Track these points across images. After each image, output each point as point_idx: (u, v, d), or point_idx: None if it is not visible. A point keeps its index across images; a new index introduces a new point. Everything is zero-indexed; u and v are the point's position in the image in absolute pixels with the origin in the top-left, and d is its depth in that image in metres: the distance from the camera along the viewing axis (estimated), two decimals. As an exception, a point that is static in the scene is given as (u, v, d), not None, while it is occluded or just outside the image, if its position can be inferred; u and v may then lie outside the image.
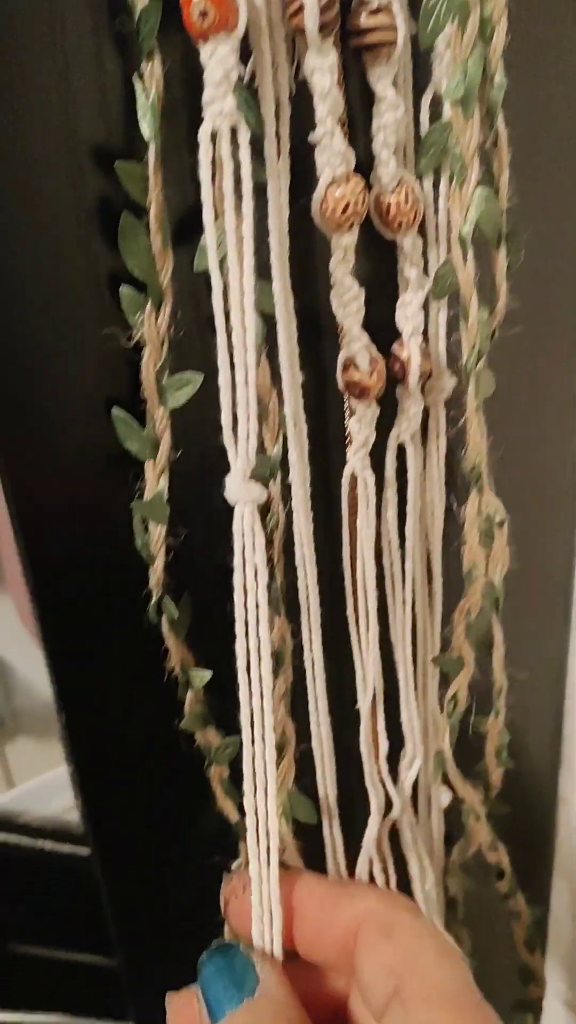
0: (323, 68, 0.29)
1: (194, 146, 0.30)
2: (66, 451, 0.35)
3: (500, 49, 0.31)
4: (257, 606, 0.31)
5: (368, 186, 0.32)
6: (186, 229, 0.32)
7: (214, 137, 0.29)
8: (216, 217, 0.29)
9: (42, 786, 0.72)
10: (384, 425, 0.36)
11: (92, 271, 0.33)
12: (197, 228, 0.32)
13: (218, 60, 0.27)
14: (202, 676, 0.38)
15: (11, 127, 0.30)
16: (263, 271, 0.31)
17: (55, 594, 0.38)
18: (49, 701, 0.66)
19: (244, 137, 0.28)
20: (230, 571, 0.33)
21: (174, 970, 0.49)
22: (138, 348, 0.33)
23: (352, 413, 0.34)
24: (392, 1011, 0.32)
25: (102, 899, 0.47)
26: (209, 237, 0.28)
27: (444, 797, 0.44)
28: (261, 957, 0.35)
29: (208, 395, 0.32)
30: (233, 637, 0.34)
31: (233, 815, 0.41)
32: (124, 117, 0.31)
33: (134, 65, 0.30)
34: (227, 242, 0.28)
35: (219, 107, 0.28)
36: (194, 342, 0.34)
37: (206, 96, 0.28)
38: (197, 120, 0.29)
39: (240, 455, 0.28)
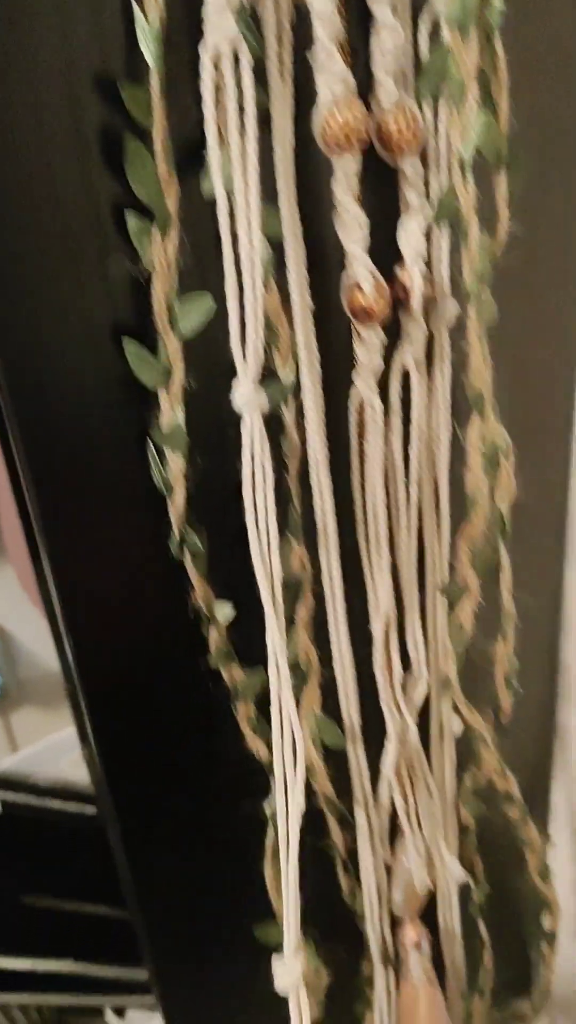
0: (322, -11, 0.29)
1: (194, 72, 0.30)
2: (76, 386, 0.35)
3: (497, -30, 0.32)
4: (266, 499, 0.31)
5: (370, 111, 0.32)
6: (186, 155, 0.32)
7: (216, 61, 0.29)
8: (221, 139, 0.29)
9: (46, 749, 0.72)
10: (393, 355, 0.36)
11: (93, 199, 0.32)
12: (198, 154, 0.32)
13: (220, -20, 0.27)
14: (225, 612, 0.38)
15: (9, 56, 0.30)
16: (269, 196, 0.31)
17: (67, 541, 0.38)
18: (52, 671, 0.66)
19: (246, 59, 0.28)
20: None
21: (191, 915, 0.50)
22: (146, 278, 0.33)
23: (359, 338, 0.34)
24: None
25: (111, 853, 0.48)
26: (213, 156, 0.28)
27: (456, 725, 0.45)
28: None
29: (216, 326, 0.33)
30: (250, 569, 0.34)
31: (264, 752, 0.41)
32: (122, 42, 0.31)
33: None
34: (232, 161, 0.28)
35: (220, 30, 0.28)
36: (193, 271, 0.33)
37: (207, 18, 0.28)
38: (196, 45, 0.29)
39: (249, 361, 0.29)
